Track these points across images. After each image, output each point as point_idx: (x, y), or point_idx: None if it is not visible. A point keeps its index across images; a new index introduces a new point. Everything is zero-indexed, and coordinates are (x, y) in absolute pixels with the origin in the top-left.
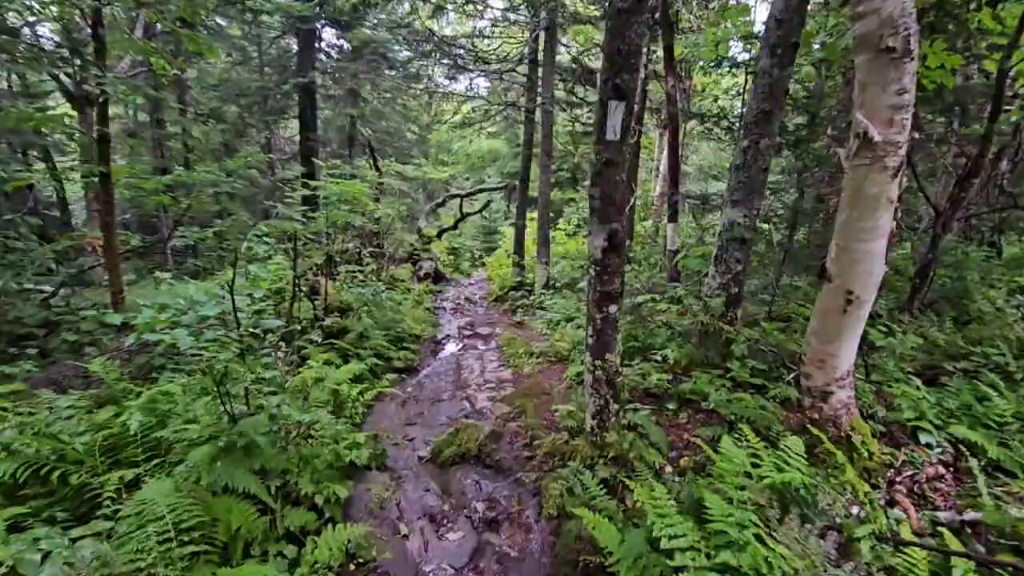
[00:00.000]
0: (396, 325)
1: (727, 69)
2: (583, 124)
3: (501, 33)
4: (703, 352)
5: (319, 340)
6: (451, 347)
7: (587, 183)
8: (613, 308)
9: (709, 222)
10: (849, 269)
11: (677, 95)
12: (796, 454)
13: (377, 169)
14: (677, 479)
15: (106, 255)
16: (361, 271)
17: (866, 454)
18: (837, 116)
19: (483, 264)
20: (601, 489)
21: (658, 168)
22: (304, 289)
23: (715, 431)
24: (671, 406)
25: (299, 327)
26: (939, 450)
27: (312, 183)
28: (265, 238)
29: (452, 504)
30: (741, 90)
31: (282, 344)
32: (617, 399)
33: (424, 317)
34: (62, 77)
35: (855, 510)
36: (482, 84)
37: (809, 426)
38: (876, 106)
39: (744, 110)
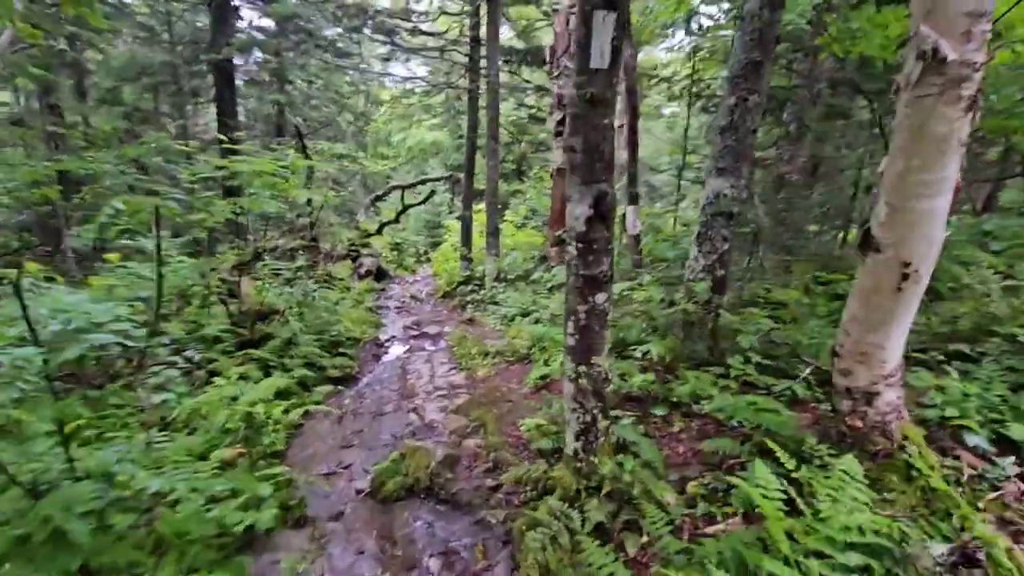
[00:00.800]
0: (331, 328)
1: (689, 36)
2: (527, 108)
3: (439, 7)
4: (689, 345)
5: (234, 350)
6: (396, 350)
7: (534, 173)
8: (601, 297)
9: (656, 212)
10: (906, 235)
11: (635, 64)
12: (857, 481)
13: (305, 154)
14: (687, 516)
15: None
16: (289, 269)
17: (928, 470)
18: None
19: (428, 259)
20: (595, 540)
21: None
22: (217, 292)
23: (724, 445)
24: (659, 411)
25: (210, 336)
26: (1011, 460)
27: (215, 161)
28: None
29: (397, 562)
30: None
31: (181, 360)
32: (606, 413)
33: (365, 318)
34: None
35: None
36: (421, 73)
37: (848, 434)
38: (949, 13)
39: (731, 62)
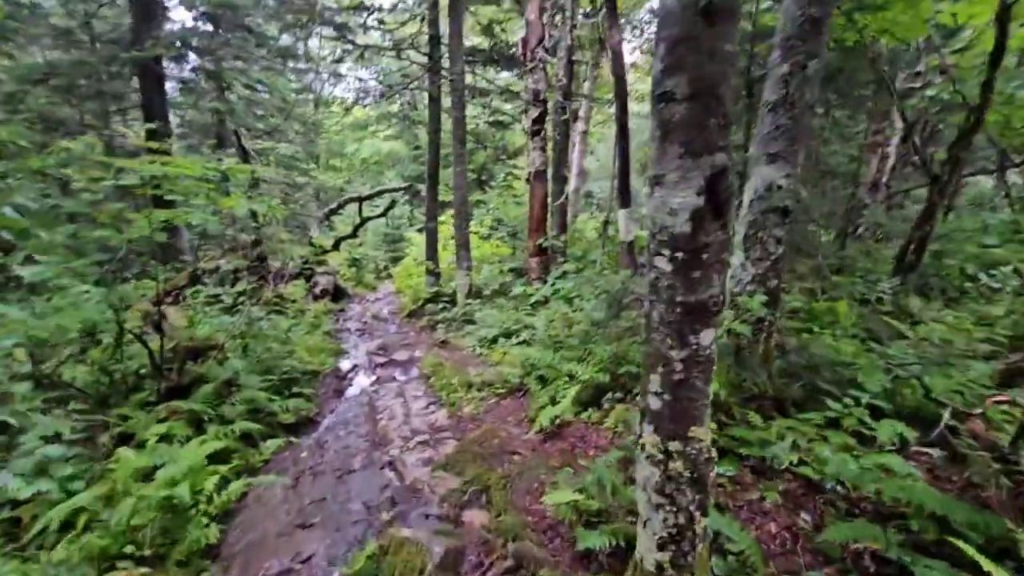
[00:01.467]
0: (282, 363)
1: None
2: (490, 112)
3: (393, 1)
4: (750, 376)
5: (155, 401)
6: (361, 381)
7: (500, 181)
8: (707, 336)
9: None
10: None
11: (621, 50)
12: None
13: (245, 158)
14: None
15: None
16: (228, 294)
17: None
18: None
19: (389, 275)
20: None
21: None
22: (135, 327)
23: (862, 535)
24: (726, 470)
25: (123, 385)
26: None
27: (119, 162)
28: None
29: None
30: None
31: (68, 429)
32: (706, 510)
33: (322, 345)
34: None
35: None
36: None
37: None
38: None
39: (780, 22)
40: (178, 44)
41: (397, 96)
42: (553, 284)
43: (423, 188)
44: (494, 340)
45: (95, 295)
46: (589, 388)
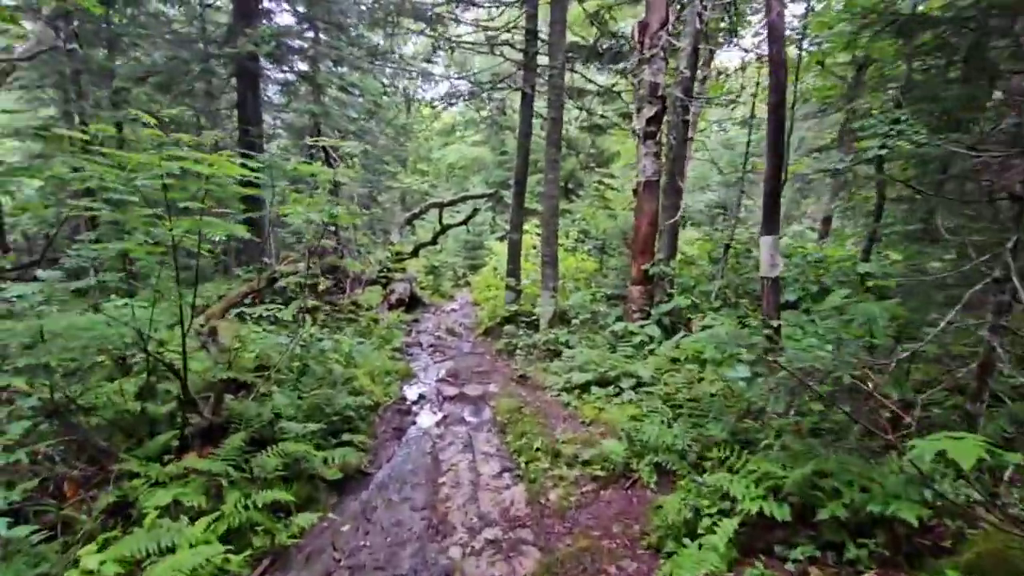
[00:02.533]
0: (336, 397)
1: None
2: (588, 115)
3: None
4: None
5: (174, 451)
6: (425, 419)
7: (590, 188)
8: None
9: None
10: None
11: (783, 27)
12: None
13: (329, 163)
14: None
15: None
16: (286, 306)
17: None
18: None
19: (467, 284)
20: None
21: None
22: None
23: None
24: None
25: (135, 428)
26: None
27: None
28: None
29: None
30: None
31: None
32: None
33: (389, 366)
34: None
35: None
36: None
37: None
38: None
39: None
40: (272, 42)
41: (486, 100)
42: (659, 321)
43: (507, 195)
44: (585, 387)
45: (111, 311)
46: (756, 527)
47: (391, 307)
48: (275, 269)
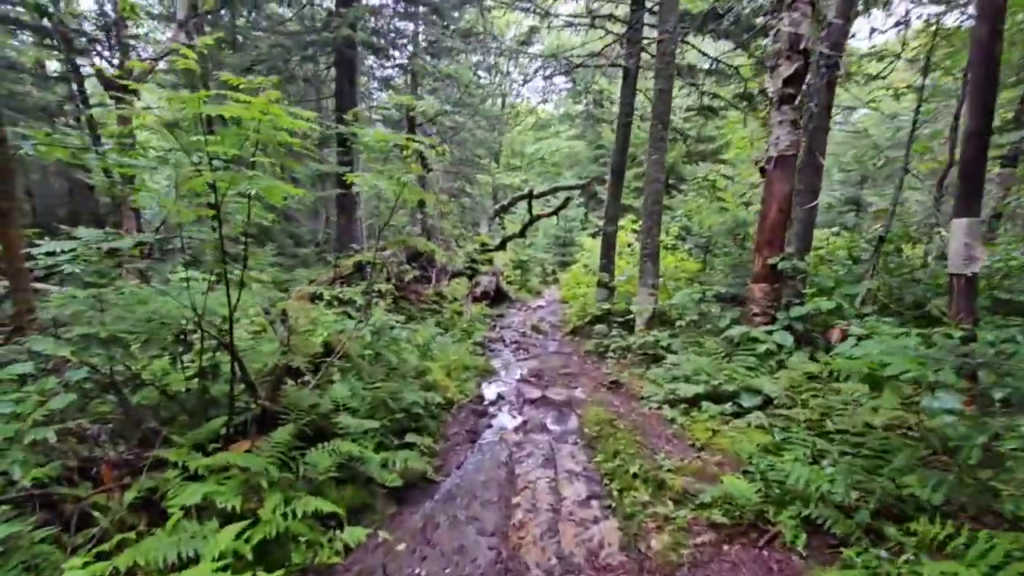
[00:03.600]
0: (407, 389)
1: None
2: (699, 93)
3: None
4: None
5: (227, 433)
6: (503, 421)
7: (697, 178)
8: None
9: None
10: None
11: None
12: None
13: (423, 163)
14: None
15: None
16: (355, 295)
17: None
18: None
19: (556, 281)
20: None
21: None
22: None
23: None
24: None
25: (177, 413)
26: None
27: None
28: None
29: None
30: None
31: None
32: None
33: (468, 361)
34: None
35: None
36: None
37: None
38: None
39: None
40: (368, 26)
41: (583, 92)
42: (789, 327)
43: (601, 190)
44: (694, 402)
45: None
46: None
47: (475, 300)
48: (363, 256)
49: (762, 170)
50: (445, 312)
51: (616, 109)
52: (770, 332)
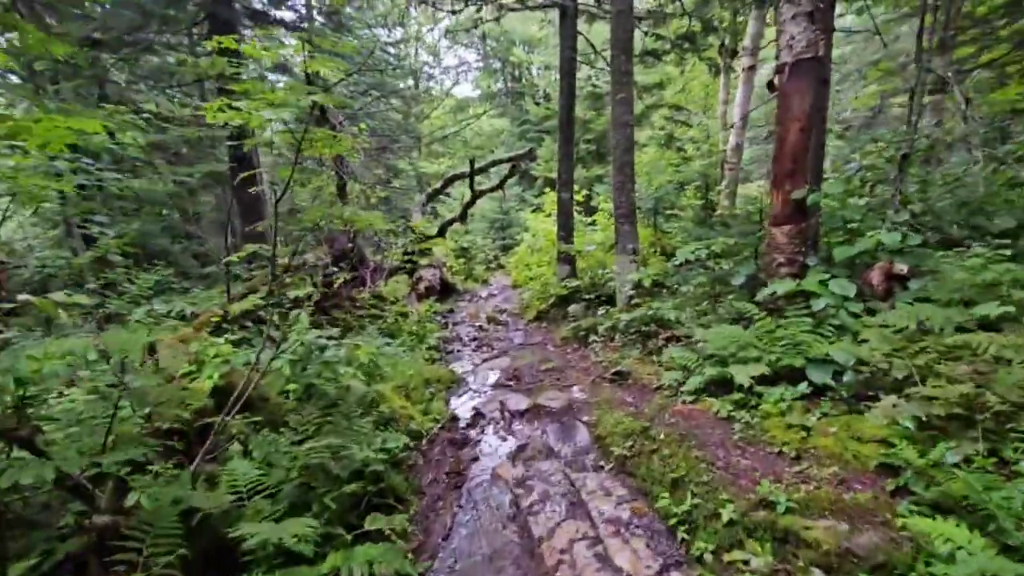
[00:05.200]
0: (356, 433)
1: None
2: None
3: None
4: None
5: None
6: (491, 449)
7: (653, 127)
8: None
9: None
10: None
11: None
12: None
13: (323, 116)
14: None
15: None
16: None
17: None
18: None
19: (500, 267)
20: None
21: (723, 114)
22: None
23: None
24: None
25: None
26: None
27: None
28: None
29: None
30: None
31: None
32: None
33: (428, 372)
34: None
35: None
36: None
37: None
38: None
39: None
40: None
41: (499, 72)
42: (828, 269)
43: (534, 165)
44: (746, 388)
45: None
46: None
47: (420, 297)
48: (279, 264)
49: (770, 84)
50: (388, 316)
51: (538, 81)
52: (825, 283)
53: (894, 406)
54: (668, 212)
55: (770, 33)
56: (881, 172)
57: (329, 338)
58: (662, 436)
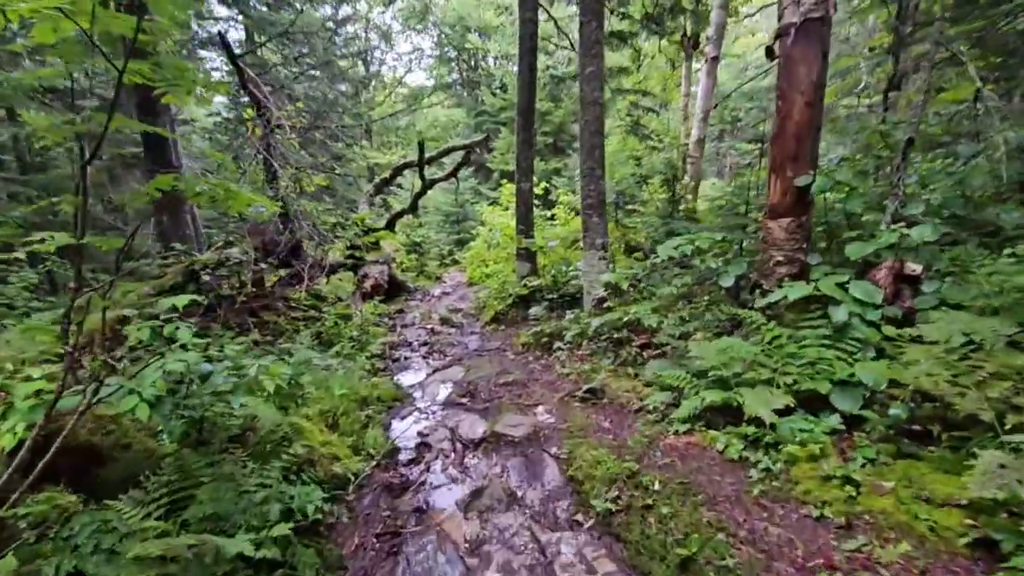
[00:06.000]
0: (245, 497)
1: None
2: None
3: None
4: None
5: None
6: (437, 497)
7: (617, 111)
8: None
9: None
10: None
11: None
12: None
13: (260, 112)
14: None
15: None
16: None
17: None
18: None
19: (455, 262)
20: None
21: (685, 106)
22: None
23: None
24: None
25: None
26: None
27: None
28: None
29: None
30: None
31: None
32: None
33: (364, 389)
34: None
35: None
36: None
37: None
38: None
39: None
40: None
41: (454, 61)
42: (832, 269)
43: (488, 156)
44: (756, 421)
45: None
46: None
47: (366, 296)
48: (193, 259)
49: (768, 50)
50: (327, 319)
51: (495, 71)
52: (843, 286)
53: (1001, 466)
54: (628, 207)
55: (733, 28)
56: (881, 160)
57: (255, 343)
58: (657, 485)
